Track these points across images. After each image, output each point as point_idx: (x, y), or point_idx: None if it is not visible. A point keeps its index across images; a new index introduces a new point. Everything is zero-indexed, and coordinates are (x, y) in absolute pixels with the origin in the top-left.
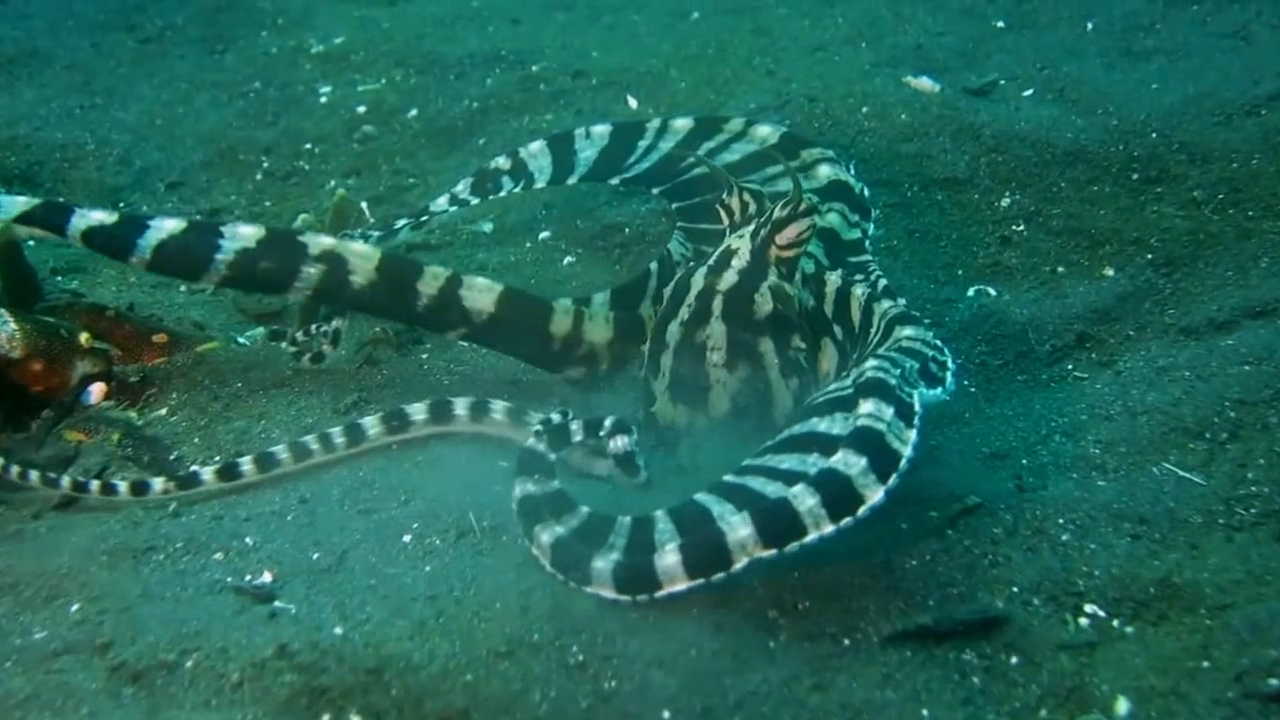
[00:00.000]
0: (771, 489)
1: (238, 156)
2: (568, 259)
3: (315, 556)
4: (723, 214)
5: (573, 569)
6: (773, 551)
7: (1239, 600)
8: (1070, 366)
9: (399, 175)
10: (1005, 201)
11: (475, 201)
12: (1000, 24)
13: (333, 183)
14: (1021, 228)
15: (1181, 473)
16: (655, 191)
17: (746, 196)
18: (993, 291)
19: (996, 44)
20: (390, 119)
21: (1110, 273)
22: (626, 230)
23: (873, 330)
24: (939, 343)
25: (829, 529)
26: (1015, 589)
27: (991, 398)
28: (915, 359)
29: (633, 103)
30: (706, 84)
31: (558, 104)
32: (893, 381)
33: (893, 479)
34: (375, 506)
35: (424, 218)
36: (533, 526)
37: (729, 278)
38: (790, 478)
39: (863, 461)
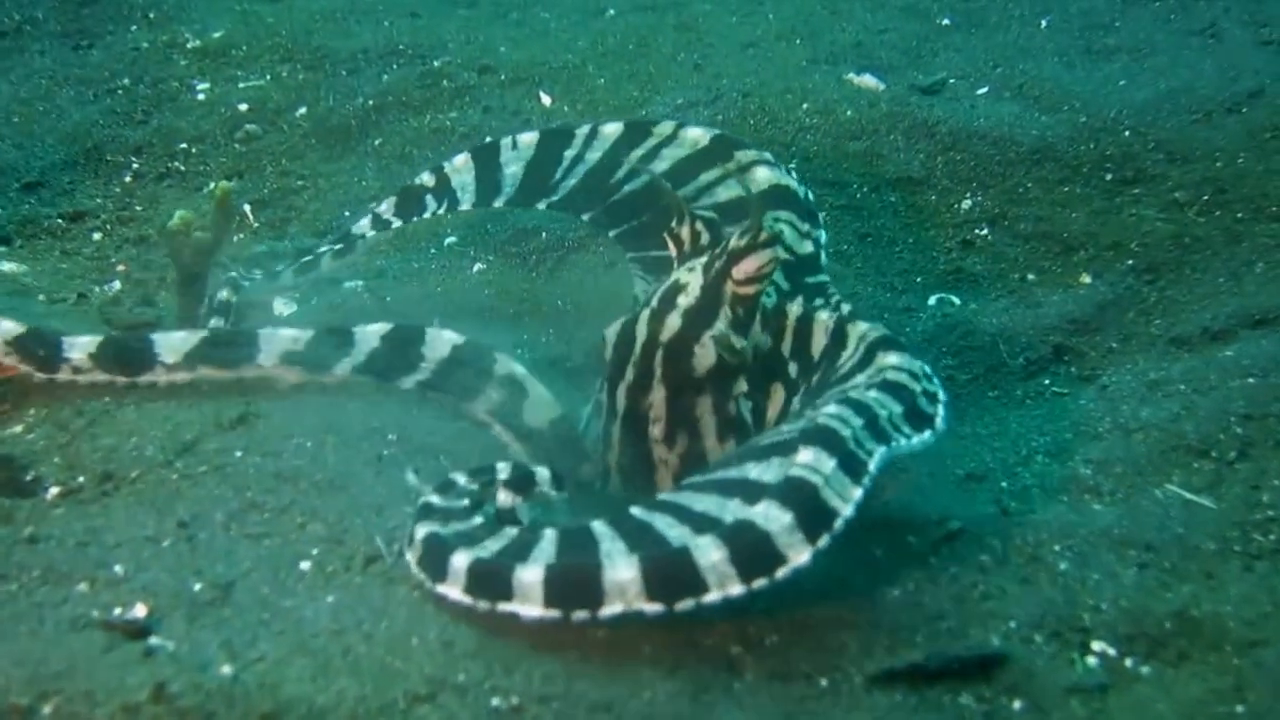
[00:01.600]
0: (676, 534)
1: (104, 157)
2: (477, 266)
3: (197, 588)
4: (671, 245)
5: (433, 566)
6: (658, 606)
7: (1270, 636)
8: (1047, 381)
9: (286, 177)
10: (966, 203)
11: (399, 224)
12: (945, 21)
13: (211, 184)
14: (985, 231)
15: (1188, 495)
16: (585, 219)
17: (699, 225)
18: (956, 300)
19: (943, 42)
20: (276, 117)
21: (1087, 280)
22: (544, 235)
23: (847, 354)
24: (928, 370)
25: (736, 590)
26: (1013, 624)
27: (962, 416)
28: (900, 399)
29: (546, 100)
30: (628, 80)
31: (463, 100)
32: (845, 433)
33: (824, 539)
34: (267, 531)
35: (343, 243)
36: (414, 525)
37: (671, 323)
38: (701, 523)
39: (787, 517)
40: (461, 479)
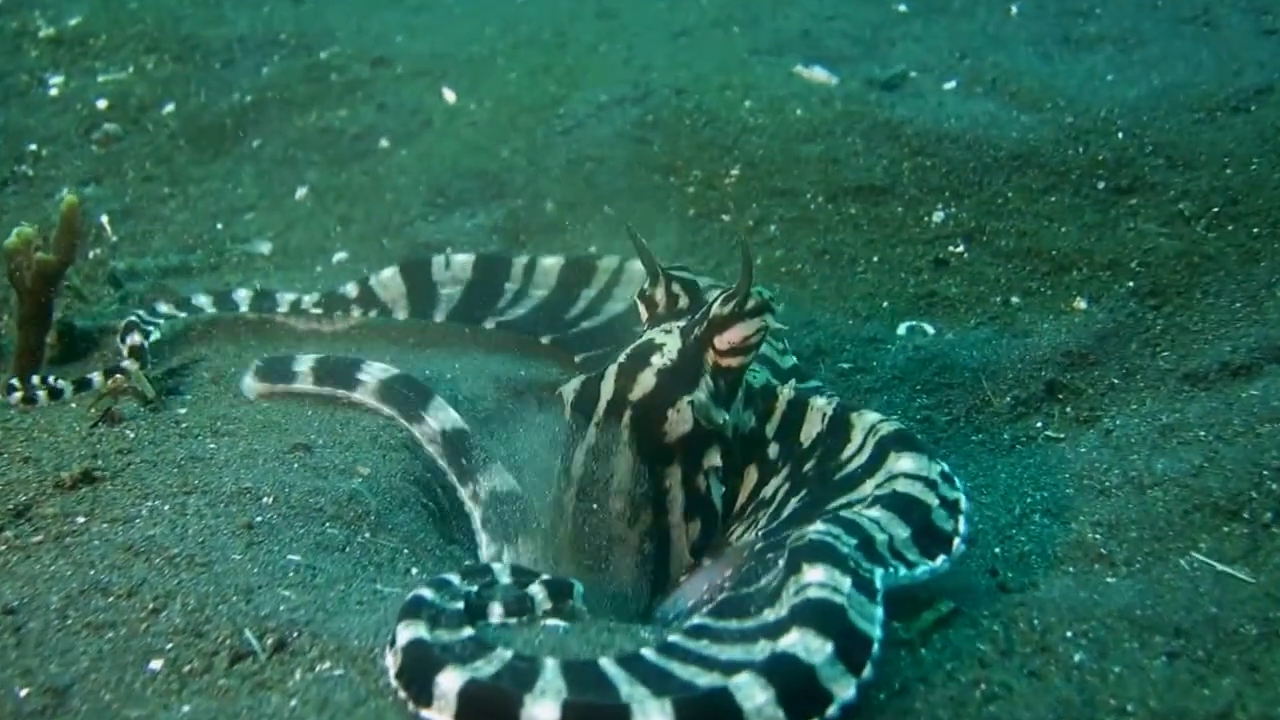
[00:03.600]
0: (705, 681)
1: None
2: None
3: (23, 693)
4: (643, 309)
5: (416, 683)
6: None
7: None
8: (1040, 424)
9: (151, 183)
10: (938, 215)
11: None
12: (902, 8)
13: (65, 191)
14: (961, 248)
15: (1220, 566)
16: (546, 340)
17: (676, 287)
18: (930, 329)
19: (900, 30)
20: (140, 116)
21: (1082, 305)
22: (449, 250)
23: (853, 447)
24: (949, 471)
25: None
26: None
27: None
28: (908, 519)
29: (450, 96)
30: (544, 73)
31: (354, 97)
32: (844, 550)
33: (866, 670)
34: (112, 619)
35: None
36: (399, 622)
37: (645, 380)
38: (730, 669)
39: (828, 647)
40: (455, 579)
